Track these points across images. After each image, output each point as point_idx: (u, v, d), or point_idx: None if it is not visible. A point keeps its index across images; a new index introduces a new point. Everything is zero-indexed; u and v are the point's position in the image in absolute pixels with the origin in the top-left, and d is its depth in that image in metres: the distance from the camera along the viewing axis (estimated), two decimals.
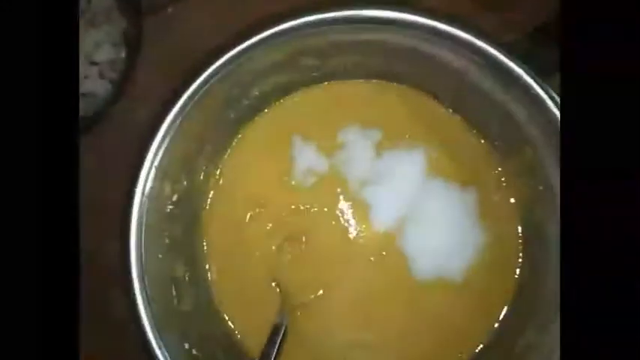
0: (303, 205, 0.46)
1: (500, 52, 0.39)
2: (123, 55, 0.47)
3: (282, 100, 0.47)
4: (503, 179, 0.45)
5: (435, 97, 0.46)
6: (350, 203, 0.46)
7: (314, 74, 0.46)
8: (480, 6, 0.44)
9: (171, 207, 0.42)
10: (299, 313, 0.44)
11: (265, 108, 0.47)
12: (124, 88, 0.47)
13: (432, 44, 0.40)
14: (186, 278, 0.43)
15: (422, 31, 0.40)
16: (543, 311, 0.40)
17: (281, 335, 0.41)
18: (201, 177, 0.45)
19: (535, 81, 0.39)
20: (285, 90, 0.47)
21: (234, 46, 0.40)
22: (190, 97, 0.40)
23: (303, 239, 0.46)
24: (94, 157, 0.43)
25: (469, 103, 0.45)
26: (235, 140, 0.47)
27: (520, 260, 0.44)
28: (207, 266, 0.45)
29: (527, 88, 0.39)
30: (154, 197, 0.39)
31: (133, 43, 0.47)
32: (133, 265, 0.38)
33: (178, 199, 0.43)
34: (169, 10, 0.48)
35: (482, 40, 0.39)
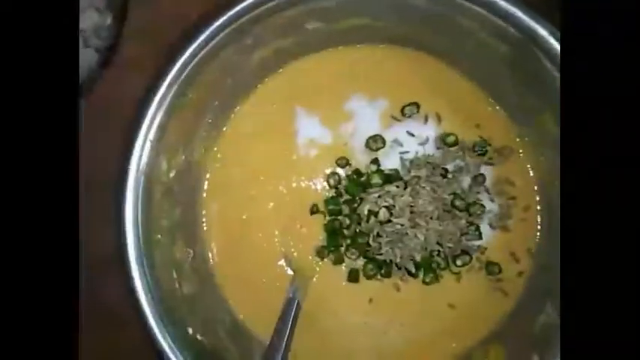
0: (306, 181, 0.43)
1: (523, 10, 0.36)
2: (108, 21, 0.43)
3: (284, 68, 0.44)
4: (520, 150, 0.43)
5: (449, 62, 0.43)
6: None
7: (318, 39, 0.42)
8: None
9: (168, 184, 0.39)
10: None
11: (266, 76, 0.44)
12: (110, 57, 0.43)
13: (449, 6, 0.37)
14: (187, 260, 0.40)
15: None
16: None
17: (294, 309, 0.38)
18: (201, 151, 0.42)
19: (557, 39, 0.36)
20: (288, 57, 0.43)
21: (231, 6, 0.36)
22: (185, 64, 0.37)
23: (309, 216, 0.43)
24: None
25: (485, 67, 0.42)
26: (235, 111, 0.44)
27: (538, 237, 0.42)
28: (208, 247, 0.43)
29: (550, 48, 0.36)
30: (150, 174, 0.36)
31: (118, 8, 0.43)
32: (130, 248, 0.35)
33: (176, 175, 0.39)
34: None
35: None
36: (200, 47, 0.36)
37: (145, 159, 0.36)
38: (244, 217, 0.43)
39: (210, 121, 0.42)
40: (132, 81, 0.42)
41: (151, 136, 0.36)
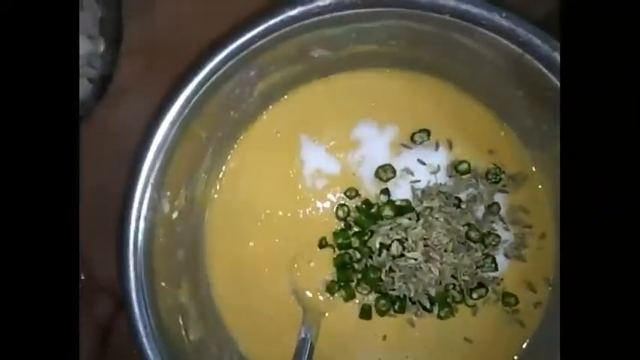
0: (313, 213, 0.42)
1: (541, 37, 0.34)
2: (101, 48, 0.41)
3: (288, 96, 0.42)
4: (534, 176, 0.41)
5: (459, 85, 0.41)
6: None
7: (324, 66, 0.40)
8: None
9: (171, 226, 0.37)
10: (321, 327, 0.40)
11: (270, 105, 0.42)
12: (105, 87, 0.41)
13: (459, 31, 0.36)
14: (193, 304, 0.38)
15: (450, 15, 0.35)
16: None
17: (307, 350, 0.37)
18: (202, 188, 0.40)
19: None
20: (292, 84, 0.41)
21: (236, 37, 0.35)
22: (187, 100, 0.35)
23: (317, 250, 0.41)
24: None
25: (497, 91, 0.40)
26: (238, 142, 0.42)
27: (555, 266, 0.41)
28: (213, 285, 0.41)
29: None
30: (151, 219, 0.34)
31: (111, 33, 0.41)
32: (133, 299, 0.33)
33: (179, 216, 0.38)
34: None
35: (515, 23, 0.35)
36: (201, 83, 0.34)
37: (145, 203, 0.34)
38: (250, 252, 0.41)
39: (212, 153, 0.40)
40: (129, 110, 0.40)
41: (152, 179, 0.34)
